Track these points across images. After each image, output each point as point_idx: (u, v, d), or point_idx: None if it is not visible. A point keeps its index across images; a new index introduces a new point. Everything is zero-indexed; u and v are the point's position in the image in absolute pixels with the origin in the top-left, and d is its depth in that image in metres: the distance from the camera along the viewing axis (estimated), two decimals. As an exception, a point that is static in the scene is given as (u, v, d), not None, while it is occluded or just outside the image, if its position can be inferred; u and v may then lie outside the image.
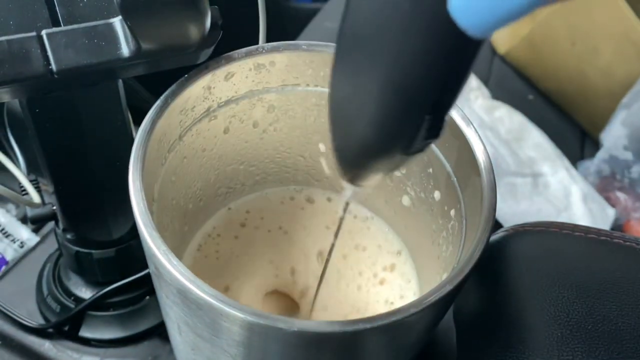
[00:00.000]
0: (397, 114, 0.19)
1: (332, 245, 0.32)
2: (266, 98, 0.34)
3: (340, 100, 0.21)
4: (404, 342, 0.27)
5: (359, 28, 0.18)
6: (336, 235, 0.32)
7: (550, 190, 0.68)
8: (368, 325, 0.22)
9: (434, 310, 0.25)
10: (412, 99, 0.18)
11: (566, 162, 0.71)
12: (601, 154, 0.74)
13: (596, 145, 0.78)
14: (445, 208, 0.32)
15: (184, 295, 0.23)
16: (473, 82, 0.74)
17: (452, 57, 0.17)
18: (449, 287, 0.24)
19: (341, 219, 0.31)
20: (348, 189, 0.25)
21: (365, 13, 0.18)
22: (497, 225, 0.54)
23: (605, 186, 0.74)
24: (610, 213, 0.69)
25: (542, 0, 0.14)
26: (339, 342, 0.23)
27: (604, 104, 0.77)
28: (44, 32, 0.26)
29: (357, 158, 0.22)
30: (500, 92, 0.77)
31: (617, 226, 0.70)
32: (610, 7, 0.73)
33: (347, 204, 0.30)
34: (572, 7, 0.74)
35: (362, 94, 0.19)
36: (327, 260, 0.33)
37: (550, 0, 0.14)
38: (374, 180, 0.23)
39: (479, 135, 0.29)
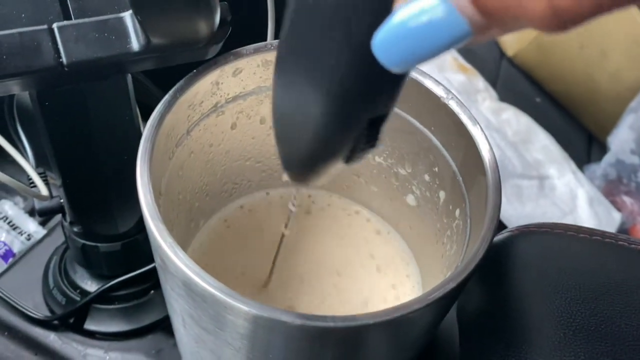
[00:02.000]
0: (336, 130, 0.21)
1: (282, 236, 0.34)
2: (274, 95, 0.34)
3: (282, 113, 0.23)
4: (407, 339, 0.28)
5: (297, 45, 0.20)
6: (286, 225, 0.34)
7: (556, 193, 0.68)
8: (371, 321, 0.22)
9: (437, 307, 0.25)
10: (348, 117, 0.20)
11: (573, 165, 0.71)
12: (608, 158, 0.74)
13: (603, 149, 0.78)
14: (450, 207, 0.32)
15: (189, 287, 0.24)
16: (480, 84, 0.74)
17: (379, 85, 0.19)
18: (452, 285, 0.24)
19: (293, 203, 0.33)
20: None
21: (303, 34, 0.19)
22: (502, 227, 0.54)
23: (611, 190, 0.74)
24: (616, 217, 0.69)
25: (456, 42, 0.15)
26: (342, 336, 0.23)
27: (611, 108, 0.77)
28: (55, 25, 0.26)
29: (301, 165, 0.23)
30: (507, 95, 0.77)
31: (623, 230, 0.70)
32: (619, 12, 0.73)
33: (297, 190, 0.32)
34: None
35: (303, 110, 0.21)
36: (279, 245, 0.34)
37: (464, 40, 0.15)
38: (319, 182, 0.25)
39: (485, 134, 0.29)
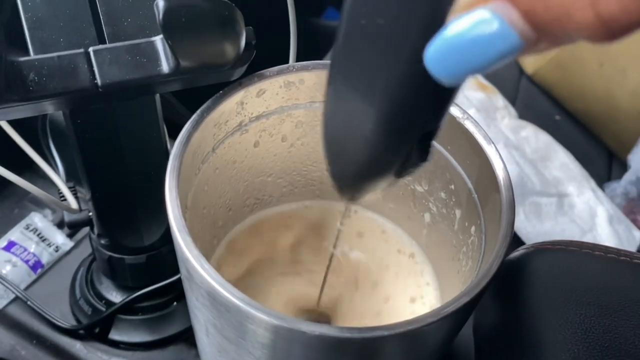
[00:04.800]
0: (388, 145, 0.21)
1: (335, 243, 0.34)
2: (295, 114, 0.35)
3: (334, 133, 0.23)
4: (423, 352, 0.28)
5: (349, 65, 0.20)
6: (337, 237, 0.34)
7: (575, 210, 0.68)
8: (386, 333, 0.23)
9: (452, 321, 0.26)
10: (400, 132, 0.21)
11: (592, 183, 0.71)
12: (628, 176, 0.74)
13: (623, 167, 0.78)
14: (466, 224, 0.33)
15: (213, 297, 0.25)
16: (500, 102, 0.75)
17: (431, 99, 0.19)
18: (465, 299, 0.25)
19: (342, 222, 0.34)
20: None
21: (355, 54, 0.20)
22: (520, 244, 0.54)
23: (632, 208, 0.74)
24: (637, 235, 0.69)
25: (508, 55, 0.16)
26: (358, 347, 0.24)
27: (632, 126, 0.77)
28: (90, 49, 0.28)
29: (352, 181, 0.24)
30: (527, 112, 0.77)
31: (644, 249, 0.70)
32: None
33: (346, 208, 0.33)
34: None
35: (355, 127, 0.21)
36: (331, 259, 0.35)
37: (515, 53, 0.16)
38: (367, 197, 0.25)
39: (499, 153, 0.30)
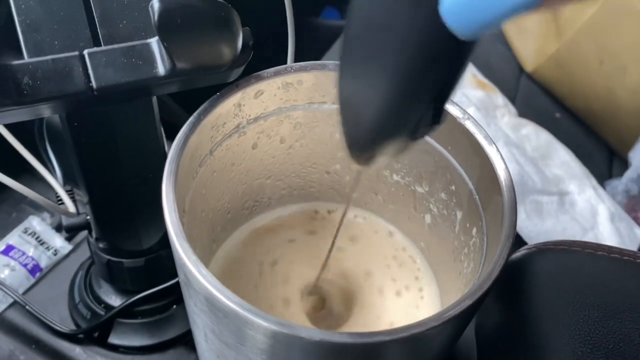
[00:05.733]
0: (403, 105, 0.21)
1: (332, 244, 0.34)
2: (293, 115, 0.35)
3: (348, 93, 0.23)
4: (424, 356, 0.28)
5: (361, 29, 0.20)
6: (335, 235, 0.34)
7: (576, 208, 0.67)
8: (388, 338, 0.23)
9: (454, 325, 0.25)
10: (415, 92, 0.20)
11: (593, 181, 0.71)
12: (629, 173, 0.73)
13: (624, 165, 0.77)
14: (467, 225, 0.33)
15: (211, 303, 0.24)
16: (500, 100, 0.74)
17: (447, 55, 0.19)
18: (468, 303, 0.24)
19: (341, 219, 0.34)
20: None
21: (366, 15, 0.20)
22: (522, 243, 0.54)
23: (633, 206, 0.73)
24: (638, 233, 0.69)
25: (526, 6, 0.15)
26: (359, 353, 0.24)
27: (632, 123, 0.77)
28: (85, 52, 0.27)
29: (367, 143, 0.24)
30: (527, 110, 0.77)
31: (646, 247, 0.69)
32: (639, 26, 0.73)
33: (345, 211, 0.32)
34: (600, 26, 0.74)
35: (370, 88, 0.21)
36: (327, 257, 0.35)
37: (534, 5, 0.15)
38: (381, 162, 0.25)
39: (500, 154, 0.30)
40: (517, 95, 0.81)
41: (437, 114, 0.22)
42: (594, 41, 0.75)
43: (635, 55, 0.75)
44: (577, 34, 0.76)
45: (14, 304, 0.48)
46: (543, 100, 0.82)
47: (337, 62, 0.23)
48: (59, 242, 0.53)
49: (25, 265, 0.51)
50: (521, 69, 0.84)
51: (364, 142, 0.24)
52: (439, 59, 0.19)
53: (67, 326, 0.46)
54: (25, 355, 0.45)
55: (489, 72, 0.78)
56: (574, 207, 0.67)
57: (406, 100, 0.21)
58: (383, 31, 0.19)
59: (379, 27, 0.19)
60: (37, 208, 0.55)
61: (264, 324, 0.23)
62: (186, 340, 0.46)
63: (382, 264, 0.39)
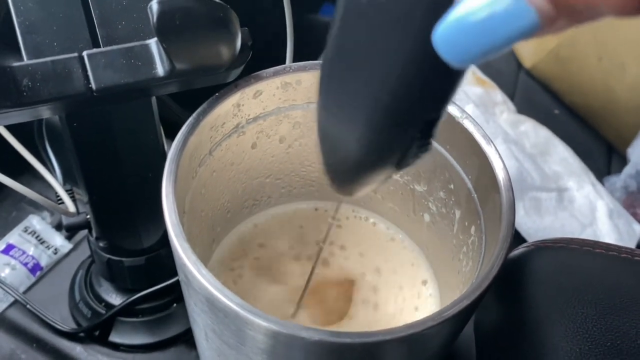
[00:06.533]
0: (387, 135, 0.20)
1: (320, 249, 0.33)
2: (292, 115, 0.35)
3: (330, 123, 0.22)
4: (423, 355, 0.28)
5: (346, 52, 0.19)
6: (326, 235, 0.34)
7: (575, 205, 0.67)
8: (387, 337, 0.23)
9: (452, 324, 0.26)
10: (401, 121, 0.19)
11: (592, 177, 0.71)
12: (628, 170, 0.74)
13: (623, 161, 0.78)
14: (466, 224, 0.33)
15: (211, 303, 0.25)
16: (498, 97, 0.75)
17: (436, 83, 0.18)
18: (466, 302, 0.24)
19: (333, 219, 0.33)
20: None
21: (350, 40, 0.19)
22: (520, 240, 0.54)
23: (632, 202, 0.74)
24: (637, 229, 0.69)
25: (523, 34, 0.15)
26: (359, 352, 0.24)
27: (631, 119, 0.77)
28: (85, 53, 0.28)
29: (349, 176, 0.23)
30: (526, 107, 0.77)
31: (644, 243, 0.69)
32: (638, 22, 0.73)
33: (338, 205, 0.32)
34: (600, 22, 0.74)
35: (353, 117, 0.20)
36: (316, 261, 0.34)
37: (531, 33, 0.15)
38: (365, 192, 0.24)
39: (499, 153, 0.30)
40: (515, 91, 0.81)
41: (424, 143, 0.20)
42: (593, 37, 0.75)
43: (634, 51, 0.75)
44: (575, 31, 0.76)
45: (15, 303, 0.48)
46: (542, 97, 0.82)
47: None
48: (59, 240, 0.53)
49: (25, 264, 0.51)
50: (520, 65, 0.84)
51: (346, 175, 0.23)
52: (428, 87, 0.18)
53: (68, 325, 0.46)
54: (26, 354, 0.45)
55: (488, 69, 0.78)
56: (572, 203, 0.67)
57: (392, 130, 0.20)
58: (368, 56, 0.18)
59: (364, 53, 0.18)
60: (37, 207, 0.56)
61: (264, 324, 0.23)
62: (187, 339, 0.47)
63: (380, 263, 0.39)
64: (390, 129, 0.20)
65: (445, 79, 0.18)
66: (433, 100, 0.19)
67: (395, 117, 0.19)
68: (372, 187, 0.24)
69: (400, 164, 0.21)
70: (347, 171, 0.22)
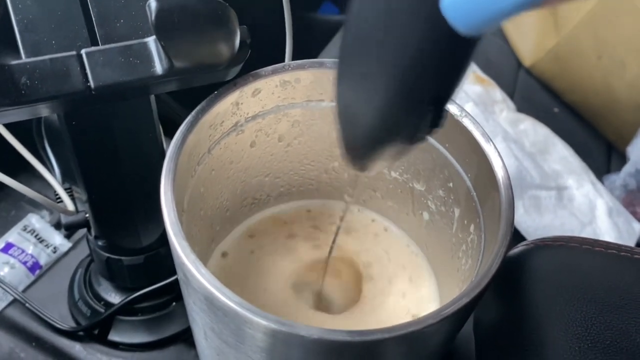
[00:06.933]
0: (401, 107, 0.21)
1: (331, 248, 0.34)
2: (291, 113, 0.35)
3: (347, 96, 0.22)
4: (423, 352, 0.28)
5: (361, 30, 0.20)
6: (336, 234, 0.34)
7: (575, 203, 0.67)
8: (387, 335, 0.23)
9: (452, 322, 0.26)
10: (415, 92, 0.20)
11: (592, 176, 0.71)
12: (628, 168, 0.74)
13: (622, 159, 0.78)
14: (465, 222, 0.33)
15: (210, 302, 0.25)
16: (498, 95, 0.74)
17: (448, 54, 0.19)
18: (465, 300, 0.24)
19: (341, 218, 0.34)
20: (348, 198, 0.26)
21: (367, 16, 0.19)
22: (520, 238, 0.54)
23: (631, 200, 0.74)
24: (636, 228, 0.69)
25: (527, 4, 0.15)
26: (358, 350, 0.24)
27: (630, 118, 0.77)
28: (83, 51, 0.27)
29: (364, 148, 0.23)
30: (525, 105, 0.77)
31: (644, 241, 0.69)
32: (637, 21, 0.73)
33: (346, 205, 0.32)
34: (599, 21, 0.74)
35: (368, 90, 0.21)
36: (328, 259, 0.35)
37: (535, 3, 0.15)
38: (379, 167, 0.25)
39: (498, 151, 0.30)
40: (515, 90, 0.81)
41: (437, 117, 0.21)
42: (593, 36, 0.75)
43: (633, 50, 0.75)
44: (575, 29, 0.76)
45: (14, 301, 0.48)
46: (541, 95, 0.82)
47: (335, 61, 0.22)
48: (58, 239, 0.53)
49: (24, 263, 0.51)
50: (519, 64, 0.84)
51: (361, 147, 0.23)
52: (440, 57, 0.19)
53: (67, 323, 0.46)
54: (25, 353, 0.45)
55: (488, 67, 0.78)
56: (572, 202, 0.67)
57: (406, 101, 0.20)
58: (383, 30, 0.19)
59: (379, 27, 0.19)
60: (36, 206, 0.56)
61: (263, 322, 0.23)
62: (186, 337, 0.47)
63: (380, 261, 0.39)
64: (405, 97, 0.20)
65: (456, 48, 0.18)
66: (446, 69, 0.19)
67: (410, 85, 0.20)
68: (385, 163, 0.24)
69: (413, 138, 0.22)
70: (362, 143, 0.23)
